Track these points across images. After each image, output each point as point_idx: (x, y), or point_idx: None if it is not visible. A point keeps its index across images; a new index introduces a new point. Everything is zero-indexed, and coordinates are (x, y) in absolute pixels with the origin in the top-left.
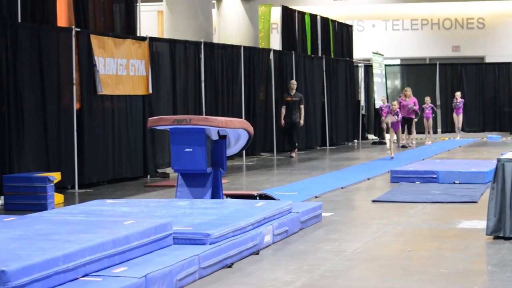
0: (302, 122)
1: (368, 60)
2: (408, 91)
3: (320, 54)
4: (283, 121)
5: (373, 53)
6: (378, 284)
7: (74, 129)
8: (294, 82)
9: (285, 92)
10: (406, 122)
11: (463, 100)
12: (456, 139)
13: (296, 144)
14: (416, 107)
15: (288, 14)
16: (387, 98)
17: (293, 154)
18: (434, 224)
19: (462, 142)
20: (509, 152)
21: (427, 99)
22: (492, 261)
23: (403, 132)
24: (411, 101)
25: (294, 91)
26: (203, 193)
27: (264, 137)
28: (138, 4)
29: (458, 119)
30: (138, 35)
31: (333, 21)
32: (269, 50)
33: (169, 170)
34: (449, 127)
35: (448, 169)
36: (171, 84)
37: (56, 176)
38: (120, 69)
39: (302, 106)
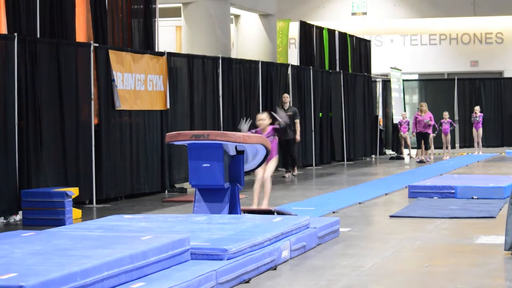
0: (298, 137)
1: (386, 75)
2: (424, 106)
3: (338, 69)
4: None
5: (391, 68)
6: None
7: (92, 144)
8: (286, 95)
9: (278, 107)
10: (422, 137)
11: (482, 114)
12: (474, 154)
13: (295, 161)
14: (432, 122)
15: (306, 29)
16: (405, 112)
17: (294, 173)
18: (452, 239)
19: (480, 157)
20: None
21: (445, 114)
22: (510, 277)
23: (419, 148)
24: (427, 116)
25: (287, 105)
26: (221, 208)
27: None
28: (156, 19)
29: (478, 133)
30: (156, 50)
31: (351, 36)
32: (287, 65)
33: (186, 185)
34: (467, 142)
35: (466, 184)
36: (188, 99)
37: (74, 191)
38: (138, 84)
39: (297, 121)
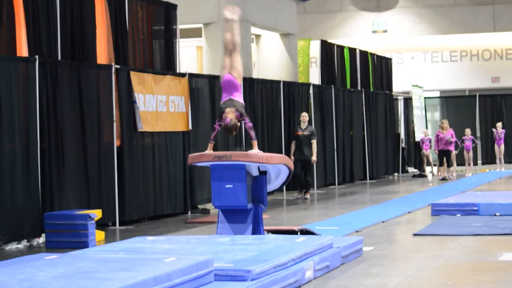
0: (314, 158)
1: (408, 93)
2: (445, 123)
3: (359, 88)
4: (292, 157)
5: (413, 85)
6: None
7: (115, 166)
8: (305, 114)
9: (296, 125)
10: (444, 155)
11: (504, 130)
12: (496, 171)
13: (309, 184)
14: (454, 139)
15: (327, 48)
16: (427, 129)
17: (307, 196)
18: (475, 257)
19: (502, 174)
20: None
21: (467, 131)
22: None
23: (441, 165)
24: (448, 133)
25: (306, 124)
26: (244, 229)
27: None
28: (177, 40)
29: (500, 149)
30: (177, 71)
31: (372, 54)
32: (308, 84)
33: (209, 206)
34: (489, 158)
35: (489, 201)
36: (210, 120)
37: (97, 214)
38: (160, 105)
39: (314, 141)
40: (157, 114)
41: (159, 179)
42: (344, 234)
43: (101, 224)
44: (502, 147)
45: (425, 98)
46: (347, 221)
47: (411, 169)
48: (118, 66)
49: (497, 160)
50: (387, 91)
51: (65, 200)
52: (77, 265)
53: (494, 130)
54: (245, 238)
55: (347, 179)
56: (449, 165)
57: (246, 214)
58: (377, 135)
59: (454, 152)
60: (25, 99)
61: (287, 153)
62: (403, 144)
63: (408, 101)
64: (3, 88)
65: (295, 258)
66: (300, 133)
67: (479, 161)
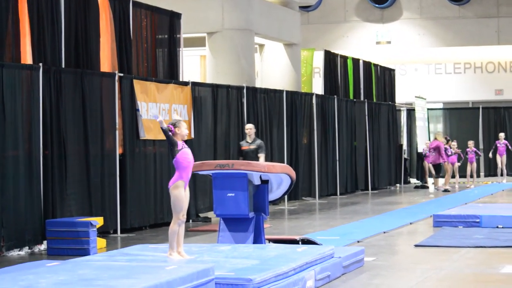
0: None
1: (411, 104)
2: (437, 135)
3: (362, 98)
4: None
5: (416, 97)
6: None
7: (117, 173)
8: (250, 126)
9: (242, 139)
10: (436, 167)
11: (506, 142)
12: (499, 183)
13: None
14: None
15: (330, 58)
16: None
17: None
18: (477, 268)
19: (505, 186)
20: None
21: (470, 143)
22: None
23: (437, 177)
24: (434, 144)
25: (252, 137)
26: (245, 238)
27: (307, 181)
28: (180, 49)
29: (502, 160)
30: (180, 79)
31: (376, 65)
32: (311, 94)
33: (211, 214)
34: (492, 170)
35: (491, 213)
36: (213, 129)
37: (98, 221)
38: (163, 113)
39: (262, 155)
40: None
41: (161, 187)
42: (346, 244)
43: (102, 232)
44: (504, 157)
45: (428, 109)
46: (348, 231)
47: (413, 180)
48: (121, 74)
49: (498, 171)
50: (390, 102)
51: (67, 207)
52: (79, 272)
53: (497, 142)
54: (247, 247)
55: (349, 189)
56: (438, 176)
57: (248, 223)
58: (380, 146)
59: (457, 164)
60: (28, 106)
61: (290, 163)
62: (405, 155)
63: (411, 112)
64: (7, 95)
65: (296, 267)
66: (246, 147)
67: (482, 173)
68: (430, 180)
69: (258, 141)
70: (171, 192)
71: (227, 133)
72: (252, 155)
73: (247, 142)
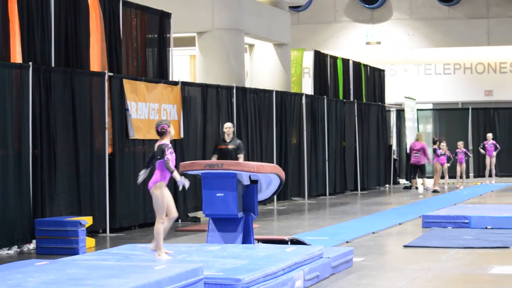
0: None
1: (400, 105)
2: (419, 135)
3: (352, 99)
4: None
5: (405, 97)
6: None
7: (106, 173)
8: (229, 125)
9: (219, 139)
10: (418, 167)
11: (494, 142)
12: (487, 184)
13: None
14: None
15: (320, 58)
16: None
17: None
18: (466, 269)
19: (494, 187)
20: None
21: (460, 144)
22: None
23: (414, 178)
24: (418, 145)
25: (231, 136)
26: (234, 238)
27: (296, 181)
28: (170, 48)
29: (491, 161)
30: (170, 79)
31: (365, 66)
32: (301, 94)
33: (200, 214)
34: (481, 171)
35: (480, 214)
36: (202, 129)
37: (87, 220)
38: (152, 113)
39: (241, 156)
40: (149, 122)
41: None
42: (335, 245)
43: (91, 231)
44: (494, 158)
45: (417, 110)
46: (337, 231)
47: (403, 181)
48: (111, 74)
49: (487, 172)
50: (379, 103)
51: (56, 207)
52: (68, 272)
53: (485, 142)
54: (236, 247)
55: (338, 190)
56: (420, 176)
57: (237, 223)
58: (369, 146)
59: (446, 165)
60: (18, 105)
61: (279, 163)
62: (395, 156)
63: (400, 112)
64: None
65: (285, 267)
66: (223, 146)
67: (471, 174)
68: (419, 181)
69: (237, 141)
70: (152, 192)
71: (216, 133)
72: (230, 155)
73: (225, 141)
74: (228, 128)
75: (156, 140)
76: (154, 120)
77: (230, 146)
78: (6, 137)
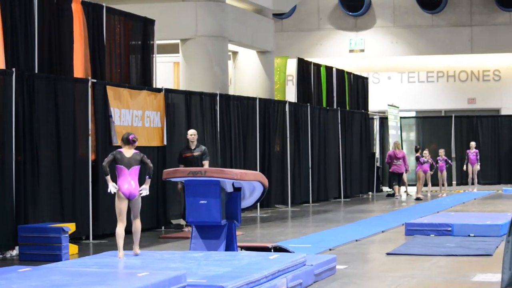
0: None
1: (384, 112)
2: (399, 144)
3: (335, 106)
4: (180, 185)
5: (389, 105)
6: None
7: (89, 180)
8: (193, 132)
9: (184, 147)
10: (398, 176)
11: (477, 150)
12: (470, 192)
13: None
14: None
15: (303, 66)
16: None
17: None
18: (449, 277)
19: (477, 195)
20: None
21: (441, 152)
22: None
23: (397, 185)
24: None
25: (195, 143)
26: (218, 245)
27: (280, 189)
28: (154, 55)
29: (473, 169)
30: (154, 86)
31: (349, 73)
32: (284, 102)
33: (183, 221)
34: (464, 179)
35: (463, 222)
36: (185, 136)
37: (70, 227)
38: (136, 120)
39: (206, 162)
40: (132, 128)
41: None
42: (318, 252)
43: (74, 238)
44: (476, 166)
45: (401, 118)
46: (320, 239)
47: (386, 189)
48: (94, 80)
49: (469, 180)
50: (363, 110)
51: (39, 213)
52: (50, 278)
53: (468, 151)
54: (219, 254)
55: (321, 197)
56: (400, 185)
57: (220, 230)
58: (352, 154)
59: (429, 173)
60: (1, 111)
61: (262, 171)
62: (378, 163)
63: (384, 120)
64: None
65: (268, 275)
66: (189, 154)
67: (454, 182)
68: (402, 189)
69: (202, 148)
70: (139, 198)
71: (200, 140)
72: (196, 162)
73: (190, 149)
74: (193, 135)
75: (139, 147)
76: (137, 127)
77: (196, 153)
78: None
